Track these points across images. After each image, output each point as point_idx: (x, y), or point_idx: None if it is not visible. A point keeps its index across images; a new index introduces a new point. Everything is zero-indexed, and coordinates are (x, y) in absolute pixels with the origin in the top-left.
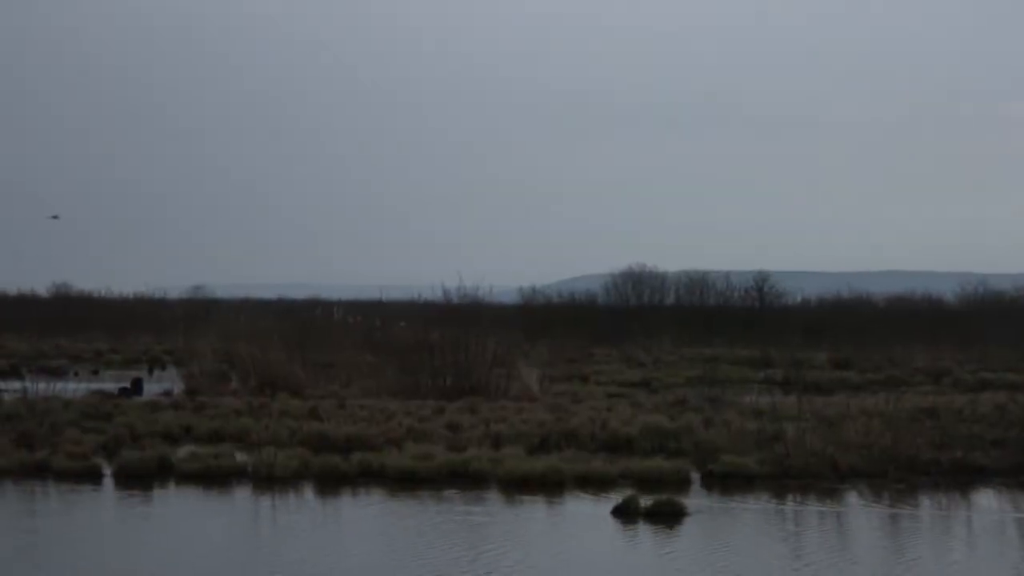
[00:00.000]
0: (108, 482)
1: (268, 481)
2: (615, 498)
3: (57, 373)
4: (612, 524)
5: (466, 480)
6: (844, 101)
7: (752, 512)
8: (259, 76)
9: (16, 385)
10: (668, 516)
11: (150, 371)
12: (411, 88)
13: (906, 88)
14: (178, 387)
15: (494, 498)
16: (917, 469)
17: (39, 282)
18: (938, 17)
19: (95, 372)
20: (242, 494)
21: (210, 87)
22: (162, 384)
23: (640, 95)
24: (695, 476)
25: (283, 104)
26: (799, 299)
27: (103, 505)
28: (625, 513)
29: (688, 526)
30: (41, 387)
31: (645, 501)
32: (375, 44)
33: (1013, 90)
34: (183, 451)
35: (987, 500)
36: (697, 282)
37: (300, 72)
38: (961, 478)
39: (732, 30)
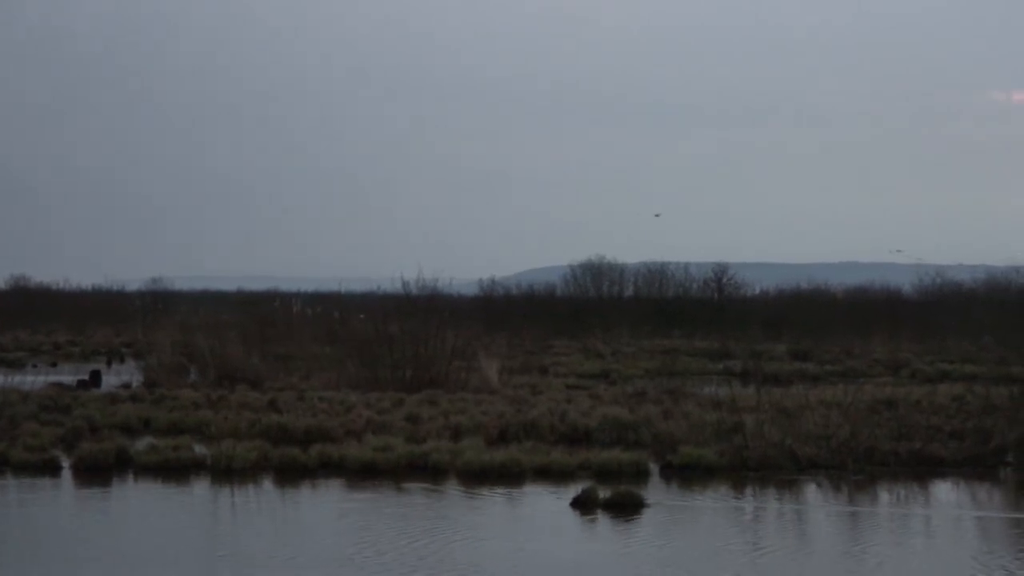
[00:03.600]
0: (67, 474)
1: (227, 473)
2: (574, 489)
3: (15, 366)
4: (571, 515)
5: (425, 472)
6: (803, 93)
7: (710, 503)
8: (219, 66)
9: None
10: (627, 507)
11: (109, 363)
12: (371, 79)
13: (869, 79)
14: (137, 380)
15: (453, 490)
16: (875, 460)
17: None
18: (908, 9)
19: (53, 365)
20: (201, 486)
21: (172, 79)
22: (121, 377)
23: (599, 86)
24: (654, 467)
25: (244, 96)
26: (758, 291)
27: (61, 497)
28: (584, 504)
29: (647, 517)
30: None
31: (604, 492)
32: (335, 33)
33: (977, 82)
34: (142, 443)
35: (945, 492)
36: (656, 274)
37: (260, 62)
38: (919, 469)
39: (696, 19)
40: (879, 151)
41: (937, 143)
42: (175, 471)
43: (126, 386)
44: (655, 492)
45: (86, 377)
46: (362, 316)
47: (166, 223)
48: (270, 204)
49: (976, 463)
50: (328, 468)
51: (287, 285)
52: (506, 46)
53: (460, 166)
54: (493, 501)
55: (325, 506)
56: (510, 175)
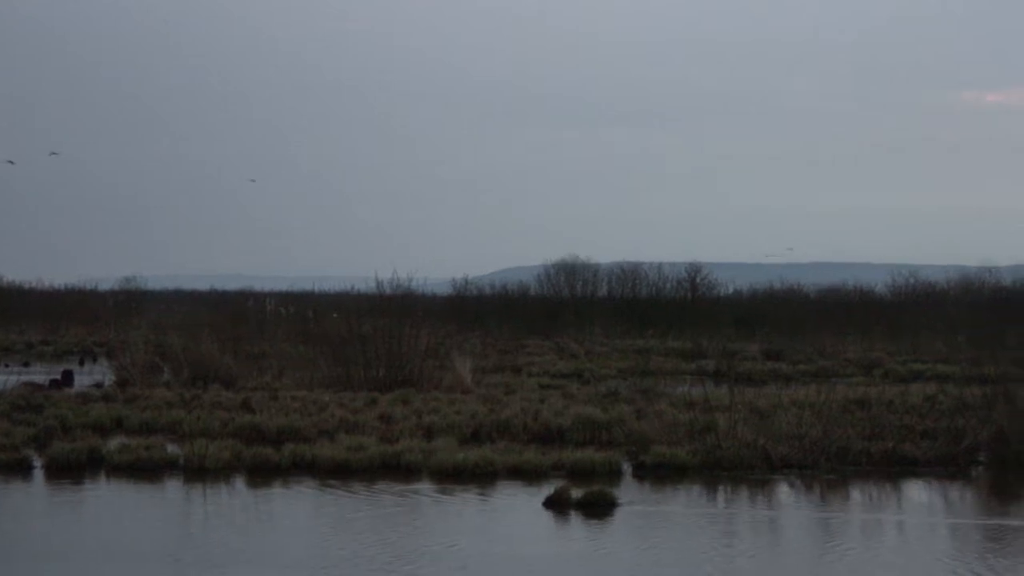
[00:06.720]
0: (38, 474)
1: (200, 473)
2: (547, 489)
3: None
4: (544, 515)
5: (398, 471)
6: (779, 92)
7: (683, 502)
8: (201, 66)
9: None
10: (600, 507)
11: (81, 363)
12: (347, 79)
13: (844, 80)
14: (109, 379)
15: (426, 489)
16: (848, 460)
17: None
18: (887, 11)
19: (26, 364)
20: (173, 486)
21: (152, 78)
22: (93, 376)
23: (572, 88)
24: (627, 467)
25: (224, 95)
26: (731, 290)
27: (33, 497)
28: (557, 504)
29: (619, 516)
30: None
31: (577, 492)
32: (313, 35)
33: (951, 83)
34: (114, 443)
35: (917, 491)
36: (629, 273)
37: (243, 62)
38: (892, 469)
39: (674, 24)
40: (854, 152)
41: (910, 144)
42: (147, 470)
43: (98, 385)
44: (628, 491)
45: (58, 376)
46: (335, 315)
47: (140, 222)
48: (245, 203)
49: (948, 462)
50: (301, 468)
51: (261, 284)
52: (489, 52)
53: (436, 167)
54: (466, 500)
55: (298, 505)
56: (485, 175)
